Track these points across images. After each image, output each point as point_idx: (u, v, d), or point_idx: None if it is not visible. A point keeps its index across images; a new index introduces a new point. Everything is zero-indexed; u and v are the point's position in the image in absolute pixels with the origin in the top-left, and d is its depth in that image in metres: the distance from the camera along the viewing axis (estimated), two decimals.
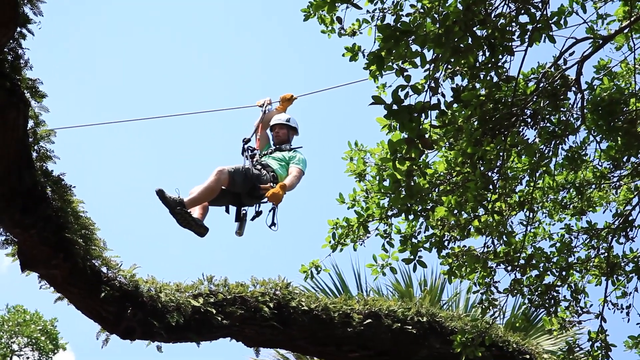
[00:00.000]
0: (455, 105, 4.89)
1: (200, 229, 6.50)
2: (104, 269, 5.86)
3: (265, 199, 7.01)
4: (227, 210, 7.05)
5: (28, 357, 16.43)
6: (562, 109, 5.82)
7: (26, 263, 5.53)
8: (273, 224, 7.05)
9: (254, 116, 7.75)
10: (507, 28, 4.76)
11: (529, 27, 4.81)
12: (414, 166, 4.67)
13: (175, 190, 6.36)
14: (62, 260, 5.49)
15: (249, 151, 7.31)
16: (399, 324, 7.25)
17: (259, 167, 7.06)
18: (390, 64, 4.57)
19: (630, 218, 6.52)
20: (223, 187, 6.69)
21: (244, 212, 7.03)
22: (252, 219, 7.08)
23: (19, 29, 4.55)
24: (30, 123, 5.03)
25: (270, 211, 7.06)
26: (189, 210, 6.41)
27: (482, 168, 5.32)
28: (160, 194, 6.27)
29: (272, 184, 6.93)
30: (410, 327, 7.28)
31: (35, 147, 5.19)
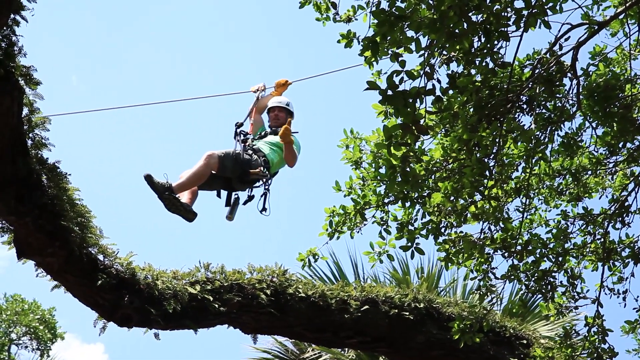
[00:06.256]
0: (450, 91, 4.88)
1: (188, 214, 6.43)
2: (101, 257, 5.86)
3: (257, 184, 7.00)
4: (219, 195, 6.99)
5: (27, 346, 16.44)
6: (557, 95, 5.81)
7: (22, 251, 5.53)
8: (264, 209, 7.02)
9: (248, 103, 7.70)
10: (503, 13, 4.72)
11: (525, 12, 4.79)
12: (409, 152, 4.66)
13: (163, 175, 6.31)
14: (58, 248, 5.49)
15: (242, 135, 7.25)
16: (396, 310, 7.27)
17: (250, 151, 7.01)
18: (385, 49, 4.55)
19: (626, 204, 6.53)
20: (213, 172, 6.66)
21: (236, 196, 6.98)
22: (244, 204, 7.02)
23: (12, 16, 4.52)
24: (25, 110, 5.01)
25: (261, 196, 7.03)
26: (177, 196, 6.38)
27: (478, 154, 5.30)
28: (149, 179, 6.21)
29: (262, 169, 6.89)
30: (407, 313, 7.29)
31: (30, 135, 5.17)
